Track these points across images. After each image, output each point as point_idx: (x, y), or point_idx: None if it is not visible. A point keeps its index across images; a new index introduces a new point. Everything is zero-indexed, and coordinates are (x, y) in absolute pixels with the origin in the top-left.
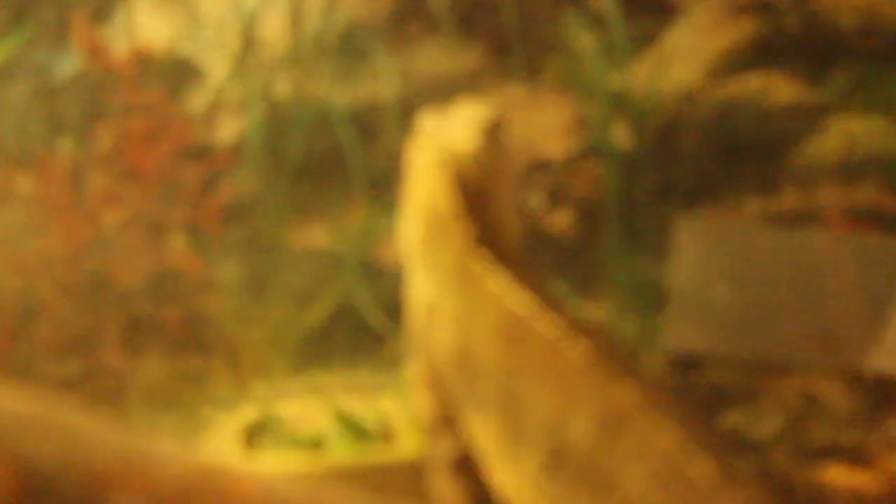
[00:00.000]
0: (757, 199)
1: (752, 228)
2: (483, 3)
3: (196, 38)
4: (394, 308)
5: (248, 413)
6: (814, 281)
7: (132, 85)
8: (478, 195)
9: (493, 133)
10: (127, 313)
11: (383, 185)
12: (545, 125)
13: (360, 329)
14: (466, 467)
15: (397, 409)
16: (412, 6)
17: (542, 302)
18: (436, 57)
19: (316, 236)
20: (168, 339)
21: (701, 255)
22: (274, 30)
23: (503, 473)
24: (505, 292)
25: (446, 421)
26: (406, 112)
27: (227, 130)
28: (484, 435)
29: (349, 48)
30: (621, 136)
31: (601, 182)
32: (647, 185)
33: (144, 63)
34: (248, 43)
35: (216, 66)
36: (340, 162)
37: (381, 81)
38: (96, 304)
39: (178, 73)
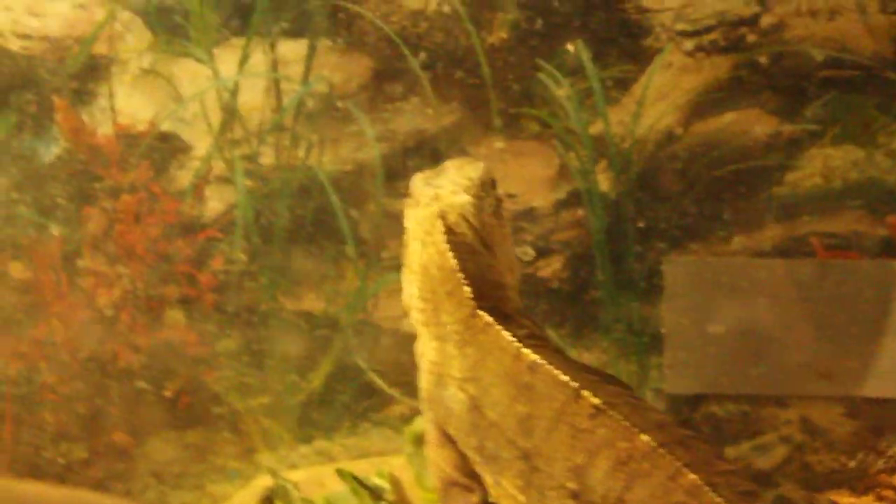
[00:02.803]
0: (741, 234)
1: (740, 263)
2: (458, 59)
3: (178, 113)
4: (394, 368)
5: (261, 482)
6: (804, 310)
7: (118, 165)
8: (475, 250)
9: (485, 188)
10: (130, 391)
11: (374, 246)
12: (528, 175)
13: (361, 391)
14: None
15: (405, 469)
16: (389, 67)
17: (548, 350)
18: (416, 116)
19: (310, 301)
20: (172, 415)
21: (691, 293)
22: (254, 99)
23: None
24: (511, 343)
25: (462, 477)
26: (391, 172)
27: (216, 203)
28: (501, 487)
29: (330, 113)
30: (604, 180)
31: (587, 228)
32: (632, 228)
33: (128, 142)
34: (230, 114)
35: (200, 140)
36: (329, 225)
37: (364, 143)
38: (98, 384)
39: (162, 149)
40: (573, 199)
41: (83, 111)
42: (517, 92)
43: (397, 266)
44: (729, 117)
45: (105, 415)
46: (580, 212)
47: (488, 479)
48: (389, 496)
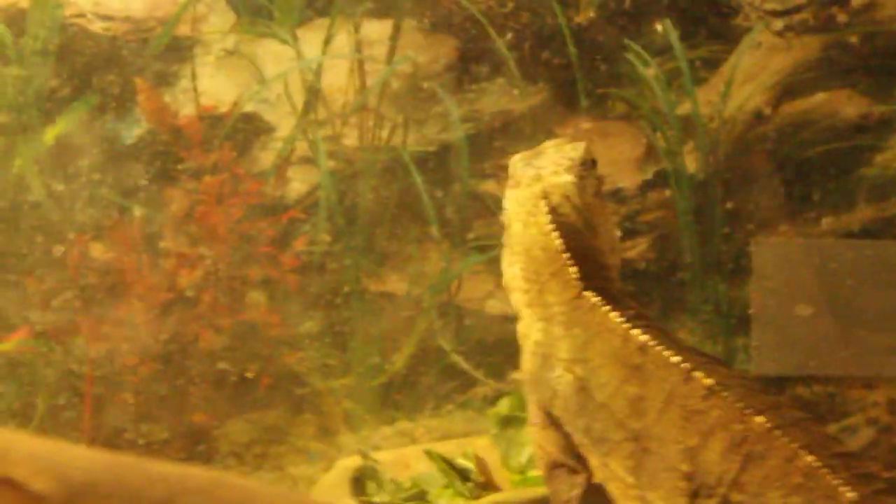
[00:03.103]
0: (831, 215)
1: (829, 244)
2: (545, 39)
3: (261, 94)
4: (478, 350)
5: (347, 462)
6: (893, 292)
7: (200, 146)
8: (578, 231)
9: (587, 168)
10: (211, 372)
11: (458, 227)
12: (615, 156)
13: (444, 373)
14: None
15: (489, 450)
16: (475, 47)
17: (655, 330)
18: (502, 96)
19: (394, 282)
20: (253, 396)
21: (780, 274)
22: (338, 80)
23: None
24: (619, 324)
25: (567, 459)
26: (476, 153)
27: (299, 183)
28: (609, 469)
29: (414, 93)
30: (692, 161)
31: (674, 209)
32: (720, 209)
33: (211, 123)
34: (313, 95)
35: (283, 121)
36: (414, 206)
37: (449, 124)
38: (180, 365)
39: (245, 130)
40: (660, 180)
41: (166, 92)
42: (604, 72)
43: (482, 247)
44: (819, 98)
45: (186, 396)
46: (667, 193)
47: (595, 461)
48: (476, 477)
